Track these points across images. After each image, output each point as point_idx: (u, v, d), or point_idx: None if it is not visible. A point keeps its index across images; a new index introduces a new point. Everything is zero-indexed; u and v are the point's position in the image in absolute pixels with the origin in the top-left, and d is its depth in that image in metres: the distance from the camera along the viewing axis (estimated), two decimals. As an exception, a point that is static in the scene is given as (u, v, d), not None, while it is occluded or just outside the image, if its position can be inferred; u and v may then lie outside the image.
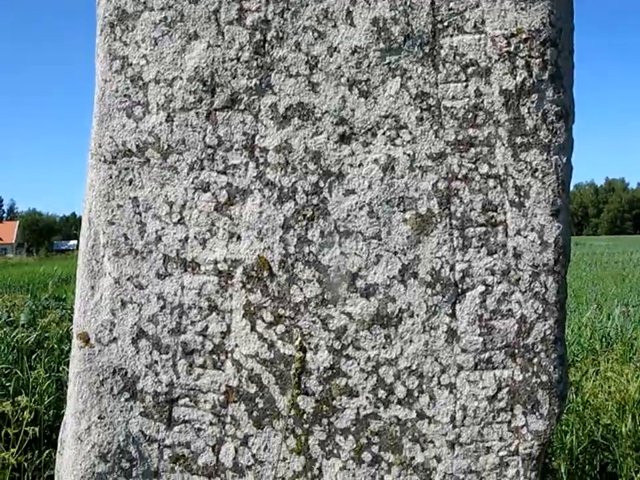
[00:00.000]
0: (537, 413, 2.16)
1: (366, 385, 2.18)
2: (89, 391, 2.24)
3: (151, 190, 2.22)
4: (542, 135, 2.15)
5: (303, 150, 2.18)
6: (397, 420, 2.18)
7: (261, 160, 2.19)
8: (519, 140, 2.14)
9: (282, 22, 2.19)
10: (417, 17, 2.16)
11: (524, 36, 2.14)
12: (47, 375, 4.37)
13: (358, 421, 2.18)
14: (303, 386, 2.18)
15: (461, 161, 2.15)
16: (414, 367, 2.17)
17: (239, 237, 2.20)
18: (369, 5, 2.17)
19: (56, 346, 5.09)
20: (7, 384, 4.31)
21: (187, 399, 2.22)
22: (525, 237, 2.15)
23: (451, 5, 2.15)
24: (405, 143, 2.17)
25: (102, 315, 2.24)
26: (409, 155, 2.16)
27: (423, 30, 2.16)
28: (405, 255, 2.17)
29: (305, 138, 2.18)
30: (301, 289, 2.18)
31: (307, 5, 2.18)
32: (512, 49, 2.14)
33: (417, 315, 2.17)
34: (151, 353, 2.22)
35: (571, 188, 2.31)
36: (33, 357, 4.89)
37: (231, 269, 2.20)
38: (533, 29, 2.14)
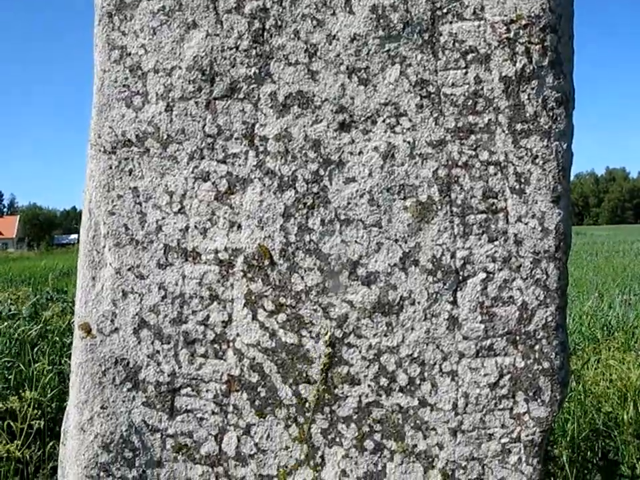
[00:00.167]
0: (539, 400, 2.17)
1: (368, 373, 2.18)
2: (91, 382, 2.25)
3: (151, 180, 2.22)
4: (542, 122, 2.14)
5: (303, 138, 2.18)
6: (399, 408, 2.18)
7: (261, 149, 2.19)
8: (519, 126, 2.14)
9: (280, 10, 2.18)
10: (416, 3, 2.15)
11: (523, 22, 2.13)
12: (50, 367, 4.38)
13: (360, 409, 2.19)
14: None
15: (461, 148, 2.15)
16: (415, 355, 2.17)
17: (239, 226, 2.20)
18: (368, -8, 2.16)
19: (58, 339, 5.10)
20: (10, 377, 4.32)
21: (189, 389, 2.22)
22: (526, 224, 2.15)
23: (450, -9, 2.14)
24: (404, 130, 2.16)
25: (103, 305, 2.25)
26: (409, 142, 2.16)
27: (422, 17, 2.16)
28: (406, 242, 2.17)
29: (304, 126, 2.18)
30: (302, 278, 2.19)
31: (306, -7, 2.17)
32: (511, 35, 2.13)
33: (418, 303, 2.17)
34: (152, 343, 2.22)
35: (572, 178, 2.30)
36: (35, 349, 4.89)
37: (232, 258, 2.20)
38: (532, 15, 2.13)
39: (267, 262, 2.19)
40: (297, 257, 2.19)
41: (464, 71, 2.15)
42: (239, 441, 2.22)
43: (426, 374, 2.17)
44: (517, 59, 2.13)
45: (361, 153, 2.17)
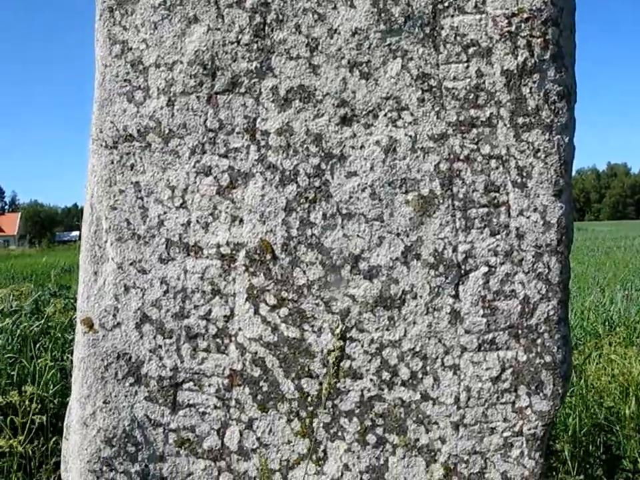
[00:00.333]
0: (541, 394, 2.17)
1: (370, 367, 2.18)
2: (93, 376, 2.25)
3: (152, 174, 2.22)
4: (544, 115, 2.14)
5: (305, 132, 2.18)
6: (401, 402, 2.18)
7: (263, 143, 2.19)
8: (520, 120, 2.14)
9: (282, 4, 2.18)
10: (418, -3, 2.15)
11: (525, 15, 2.13)
12: (52, 363, 4.38)
13: (362, 403, 2.19)
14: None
15: (462, 142, 2.15)
16: (417, 349, 2.17)
17: (241, 221, 2.20)
18: (369, -15, 2.16)
19: (60, 335, 5.09)
20: (12, 373, 4.32)
21: (191, 383, 2.23)
22: (528, 218, 2.15)
23: (452, -16, 2.14)
24: (406, 124, 2.16)
25: (105, 300, 2.25)
26: (410, 136, 2.16)
27: (424, 10, 2.15)
28: (408, 236, 2.17)
29: (306, 120, 2.18)
30: (304, 272, 2.19)
31: (307, -13, 2.17)
32: (513, 28, 2.13)
33: (420, 297, 2.17)
34: (154, 338, 2.23)
35: (573, 173, 2.30)
36: (37, 345, 4.89)
37: (234, 252, 2.20)
38: (534, 8, 2.13)
39: (268, 256, 2.19)
40: (299, 251, 2.19)
41: (465, 64, 2.14)
42: (241, 435, 2.22)
43: (428, 368, 2.18)
44: (518, 52, 2.13)
45: (362, 147, 2.17)
